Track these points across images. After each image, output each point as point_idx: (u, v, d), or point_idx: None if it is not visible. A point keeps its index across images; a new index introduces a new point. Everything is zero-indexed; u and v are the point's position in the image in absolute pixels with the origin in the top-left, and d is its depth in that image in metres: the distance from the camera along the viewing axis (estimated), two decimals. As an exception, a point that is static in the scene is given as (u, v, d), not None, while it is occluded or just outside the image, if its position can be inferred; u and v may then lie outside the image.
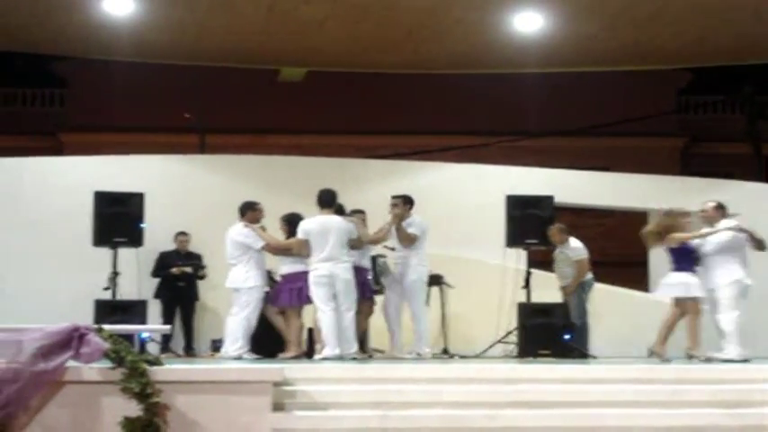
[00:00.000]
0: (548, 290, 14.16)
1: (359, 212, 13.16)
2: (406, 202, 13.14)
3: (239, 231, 12.74)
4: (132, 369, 7.99)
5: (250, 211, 12.98)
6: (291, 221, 12.81)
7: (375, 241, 13.18)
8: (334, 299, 12.05)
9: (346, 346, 11.95)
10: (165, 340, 14.21)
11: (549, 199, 14.18)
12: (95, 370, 8.10)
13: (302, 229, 12.29)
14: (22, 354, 7.98)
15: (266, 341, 13.15)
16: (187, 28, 16.05)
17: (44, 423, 8.02)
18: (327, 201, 12.48)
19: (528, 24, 16.00)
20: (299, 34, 16.27)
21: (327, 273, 12.05)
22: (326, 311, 11.99)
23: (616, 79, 23.34)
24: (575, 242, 14.43)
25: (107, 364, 8.07)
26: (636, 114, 24.82)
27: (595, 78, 22.11)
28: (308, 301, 12.43)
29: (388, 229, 13.06)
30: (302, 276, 12.37)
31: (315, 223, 12.26)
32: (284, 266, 12.77)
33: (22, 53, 19.10)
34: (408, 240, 12.90)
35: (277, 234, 13.01)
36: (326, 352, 11.86)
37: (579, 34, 16.33)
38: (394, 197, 13.18)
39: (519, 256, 14.36)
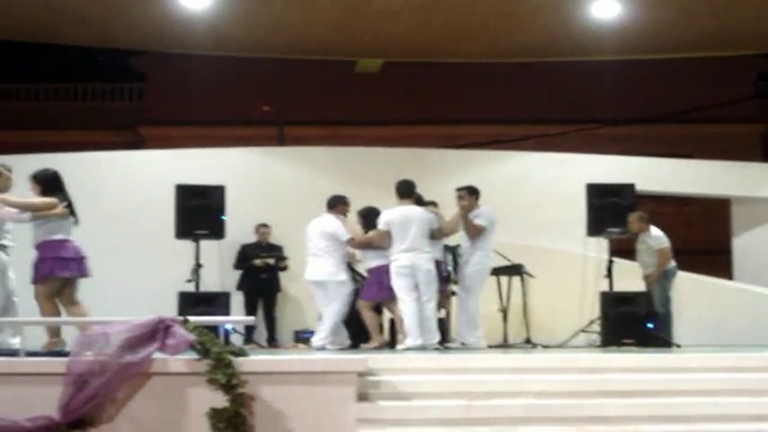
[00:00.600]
0: (630, 279, 14.03)
1: (432, 204, 13.10)
2: (471, 193, 12.98)
3: (331, 223, 12.73)
4: (218, 360, 8.04)
5: (341, 204, 12.99)
6: (367, 215, 12.82)
7: (449, 232, 13.11)
8: (415, 289, 12.04)
9: (428, 336, 11.94)
10: (248, 331, 14.28)
11: (630, 187, 14.06)
12: (181, 361, 8.18)
13: (384, 220, 12.28)
14: (109, 346, 8.07)
15: (348, 331, 13.18)
16: (264, 21, 16.09)
17: (131, 415, 8.11)
18: (407, 191, 12.46)
19: (605, 11, 15.83)
20: (375, 25, 16.25)
21: (409, 263, 12.04)
22: (408, 302, 11.98)
23: (695, 65, 23.04)
24: (656, 231, 14.28)
25: (193, 355, 8.14)
26: (716, 101, 24.50)
27: (674, 65, 21.87)
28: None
29: (458, 221, 12.97)
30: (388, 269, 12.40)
31: (396, 214, 12.25)
32: (370, 260, 12.76)
33: (102, 48, 19.24)
34: (475, 231, 12.76)
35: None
36: (409, 342, 11.85)
37: (657, 20, 16.15)
38: (459, 189, 13.05)
39: (600, 246, 14.28)
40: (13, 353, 9.18)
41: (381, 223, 12.29)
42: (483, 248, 12.79)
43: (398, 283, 12.10)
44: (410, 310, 11.95)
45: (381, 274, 12.52)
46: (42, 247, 10.40)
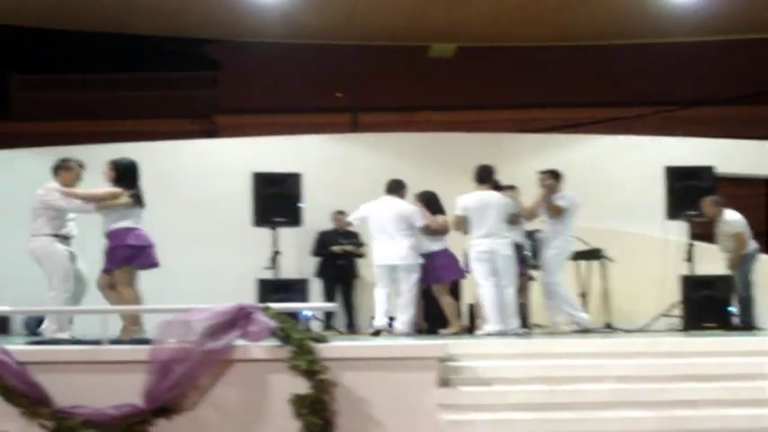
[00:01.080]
0: (711, 262, 13.86)
1: (510, 188, 13.04)
2: (554, 176, 12.96)
3: (406, 206, 12.67)
4: (299, 347, 8.08)
5: (402, 189, 12.92)
6: (428, 200, 12.77)
7: (529, 216, 13.06)
8: (494, 275, 11.99)
9: (508, 321, 11.90)
10: (327, 318, 14.30)
11: (709, 169, 13.91)
12: (263, 348, 8.21)
13: (461, 205, 12.23)
14: (192, 334, 8.13)
15: (427, 317, 13.17)
16: (337, 8, 16.07)
17: (214, 401, 8.17)
18: (484, 176, 12.39)
19: (680, -8, 15.66)
20: (449, 10, 16.17)
21: (488, 248, 11.99)
22: (488, 287, 11.93)
23: (772, 45, 22.71)
24: (731, 215, 13.97)
25: (274, 342, 8.17)
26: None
27: (753, 44, 21.54)
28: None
29: (538, 205, 12.91)
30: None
31: (473, 199, 12.19)
32: (432, 244, 12.73)
33: (175, 37, 19.36)
34: (555, 211, 12.70)
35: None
36: (489, 328, 11.81)
37: (733, 1, 15.91)
38: (542, 172, 13.02)
39: (680, 229, 14.13)
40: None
41: (459, 209, 12.23)
42: (564, 232, 12.76)
43: (477, 269, 12.05)
44: (490, 296, 11.91)
45: (449, 256, 12.57)
46: (112, 235, 10.49)
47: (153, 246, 10.67)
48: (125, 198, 10.49)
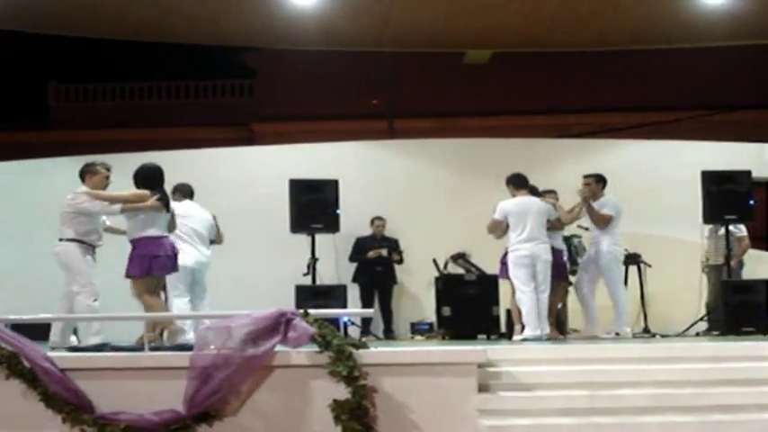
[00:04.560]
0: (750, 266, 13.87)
1: (550, 192, 13.07)
2: (598, 181, 13.00)
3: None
4: (339, 352, 8.10)
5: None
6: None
7: (568, 221, 13.06)
8: (533, 280, 12.00)
9: (542, 326, 11.92)
10: (365, 324, 14.32)
11: (747, 174, 13.82)
12: (303, 354, 8.24)
13: (500, 209, 12.27)
14: (232, 340, 8.16)
15: (464, 322, 13.20)
16: (372, 15, 16.11)
17: (255, 407, 8.21)
18: (522, 182, 12.44)
19: (716, -5, 15.60)
20: (484, 16, 16.18)
21: (529, 253, 12.02)
22: (527, 292, 11.95)
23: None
24: None
25: (314, 348, 8.20)
26: (833, 84, 24.00)
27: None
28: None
29: (580, 209, 12.92)
30: None
31: (513, 204, 12.25)
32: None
33: (213, 45, 19.44)
34: (602, 221, 12.75)
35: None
36: (527, 333, 11.82)
37: (768, 4, 15.87)
38: (586, 176, 13.05)
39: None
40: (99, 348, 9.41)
41: (498, 213, 12.27)
42: (612, 236, 12.80)
43: (517, 274, 12.07)
44: (530, 301, 11.93)
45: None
46: (137, 243, 10.46)
47: (177, 255, 10.69)
48: (152, 201, 10.43)
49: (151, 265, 10.40)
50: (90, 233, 10.74)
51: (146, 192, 10.51)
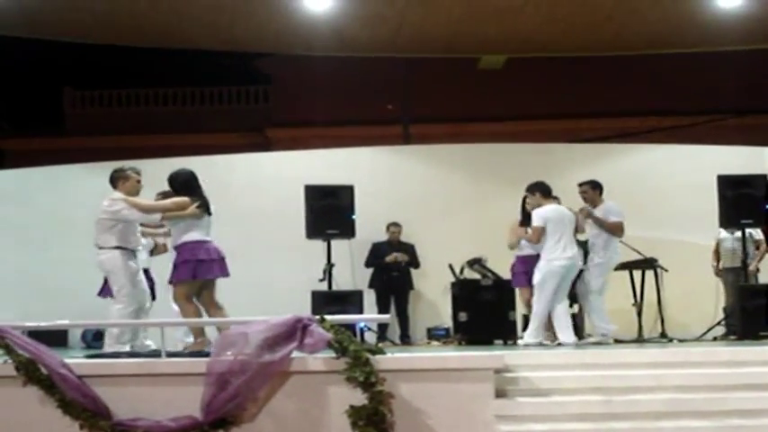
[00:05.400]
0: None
1: (555, 199, 12.99)
2: (594, 188, 12.88)
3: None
4: (356, 358, 8.10)
5: None
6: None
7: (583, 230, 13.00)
8: (557, 290, 12.04)
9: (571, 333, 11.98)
10: (382, 329, 14.33)
11: (763, 178, 13.80)
12: (320, 360, 8.25)
13: (542, 216, 12.19)
14: (249, 346, 8.17)
15: (481, 328, 13.21)
16: (386, 20, 16.14)
17: (272, 413, 8.22)
18: (549, 190, 12.40)
19: (729, 0, 15.55)
20: (498, 21, 16.20)
21: (567, 264, 12.08)
22: (544, 302, 11.98)
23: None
24: None
25: (331, 353, 8.20)
26: None
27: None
28: None
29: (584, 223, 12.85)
30: None
31: (551, 211, 12.21)
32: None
33: (227, 52, 19.49)
34: (617, 229, 12.65)
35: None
36: (530, 339, 11.94)
37: (787, 8, 15.84)
38: (581, 184, 12.95)
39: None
40: (154, 353, 9.39)
41: (539, 220, 12.18)
42: (611, 242, 12.72)
43: (551, 282, 12.03)
44: (545, 311, 12.01)
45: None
46: (182, 248, 10.42)
47: (224, 258, 10.60)
48: (192, 208, 10.41)
49: (196, 270, 10.37)
50: (130, 237, 10.69)
51: (185, 199, 10.46)
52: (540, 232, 12.16)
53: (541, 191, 12.39)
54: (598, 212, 12.69)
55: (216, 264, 10.46)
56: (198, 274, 10.34)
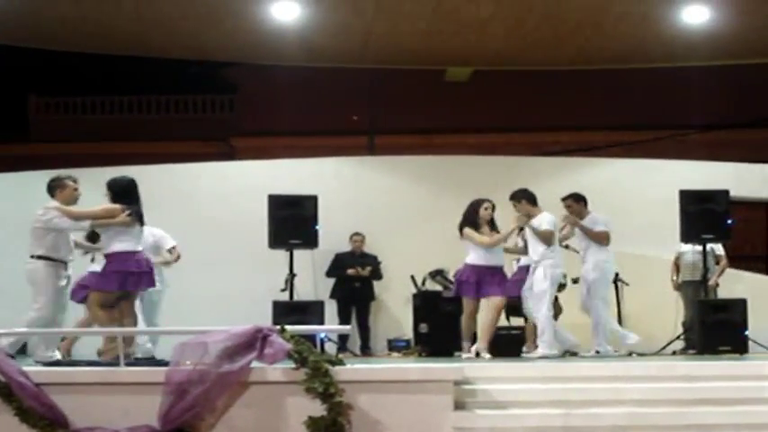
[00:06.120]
0: (727, 285, 13.93)
1: None
2: (578, 200, 12.97)
3: None
4: (315, 369, 8.10)
5: None
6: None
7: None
8: None
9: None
10: (342, 340, 14.32)
11: (725, 193, 13.85)
12: (279, 370, 8.25)
13: (551, 221, 12.26)
14: (208, 355, 8.16)
15: (441, 339, 13.21)
16: (354, 31, 16.17)
17: (230, 423, 8.21)
18: (535, 198, 12.46)
19: (695, 16, 15.61)
20: (464, 34, 16.26)
21: (563, 271, 12.28)
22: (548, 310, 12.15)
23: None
24: None
25: (290, 364, 8.19)
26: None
27: (766, 68, 21.55)
28: None
29: (569, 232, 12.93)
30: None
31: (553, 220, 12.39)
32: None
33: (193, 60, 19.46)
34: (603, 238, 12.77)
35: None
36: (546, 350, 11.92)
37: (749, 25, 15.90)
38: (564, 198, 13.04)
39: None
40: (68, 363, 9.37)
41: (551, 224, 12.24)
42: (601, 252, 12.83)
43: (552, 290, 12.19)
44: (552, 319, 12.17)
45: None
46: (111, 257, 10.30)
47: (152, 270, 10.56)
48: (123, 216, 10.24)
49: (125, 281, 10.27)
50: (60, 249, 10.55)
51: (116, 206, 10.33)
52: (553, 235, 12.25)
53: (527, 198, 12.39)
54: (586, 223, 12.83)
55: (144, 276, 10.38)
56: (126, 285, 10.24)
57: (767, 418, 8.62)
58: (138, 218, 10.45)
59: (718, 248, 14.36)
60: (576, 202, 12.96)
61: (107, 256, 10.39)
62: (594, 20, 15.82)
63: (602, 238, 12.77)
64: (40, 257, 10.42)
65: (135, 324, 10.53)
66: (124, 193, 10.50)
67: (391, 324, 15.33)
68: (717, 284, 14.24)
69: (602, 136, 25.28)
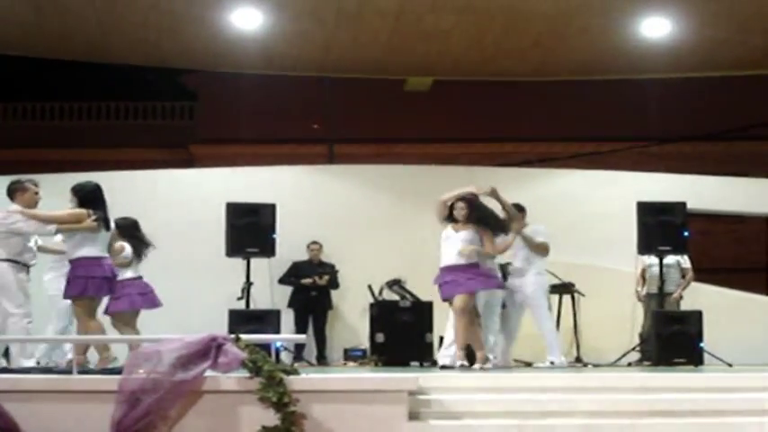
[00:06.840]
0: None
1: None
2: (520, 210, 12.96)
3: None
4: (269, 378, 8.06)
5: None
6: None
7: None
8: None
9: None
10: (298, 349, 14.28)
11: (682, 205, 13.92)
12: (233, 379, 8.20)
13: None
14: (162, 364, 8.10)
15: (398, 349, 13.21)
16: (315, 40, 16.15)
17: (184, 432, 8.16)
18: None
19: (655, 30, 15.71)
20: (425, 44, 16.28)
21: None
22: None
23: (747, 83, 22.83)
24: None
25: (244, 373, 8.16)
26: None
27: (727, 82, 21.72)
28: None
29: (512, 241, 12.91)
30: None
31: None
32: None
33: (153, 67, 19.38)
34: (543, 249, 12.77)
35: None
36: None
37: (709, 39, 16.00)
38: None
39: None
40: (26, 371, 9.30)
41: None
42: (539, 264, 12.80)
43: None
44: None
45: None
46: (76, 263, 10.16)
47: (116, 276, 10.46)
48: (88, 221, 10.11)
49: (87, 286, 10.14)
50: (23, 252, 10.52)
51: (82, 211, 10.17)
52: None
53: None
54: (527, 233, 12.79)
55: (106, 282, 10.26)
56: (87, 290, 10.10)
57: (721, 429, 8.65)
58: (105, 223, 10.36)
59: (685, 261, 14.39)
60: (520, 212, 12.95)
61: (72, 261, 10.26)
62: (556, 32, 15.88)
63: (541, 249, 12.78)
64: (3, 260, 10.37)
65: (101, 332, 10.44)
66: (90, 198, 10.34)
67: (348, 333, 15.29)
68: (681, 297, 14.29)
69: (560, 147, 25.41)
